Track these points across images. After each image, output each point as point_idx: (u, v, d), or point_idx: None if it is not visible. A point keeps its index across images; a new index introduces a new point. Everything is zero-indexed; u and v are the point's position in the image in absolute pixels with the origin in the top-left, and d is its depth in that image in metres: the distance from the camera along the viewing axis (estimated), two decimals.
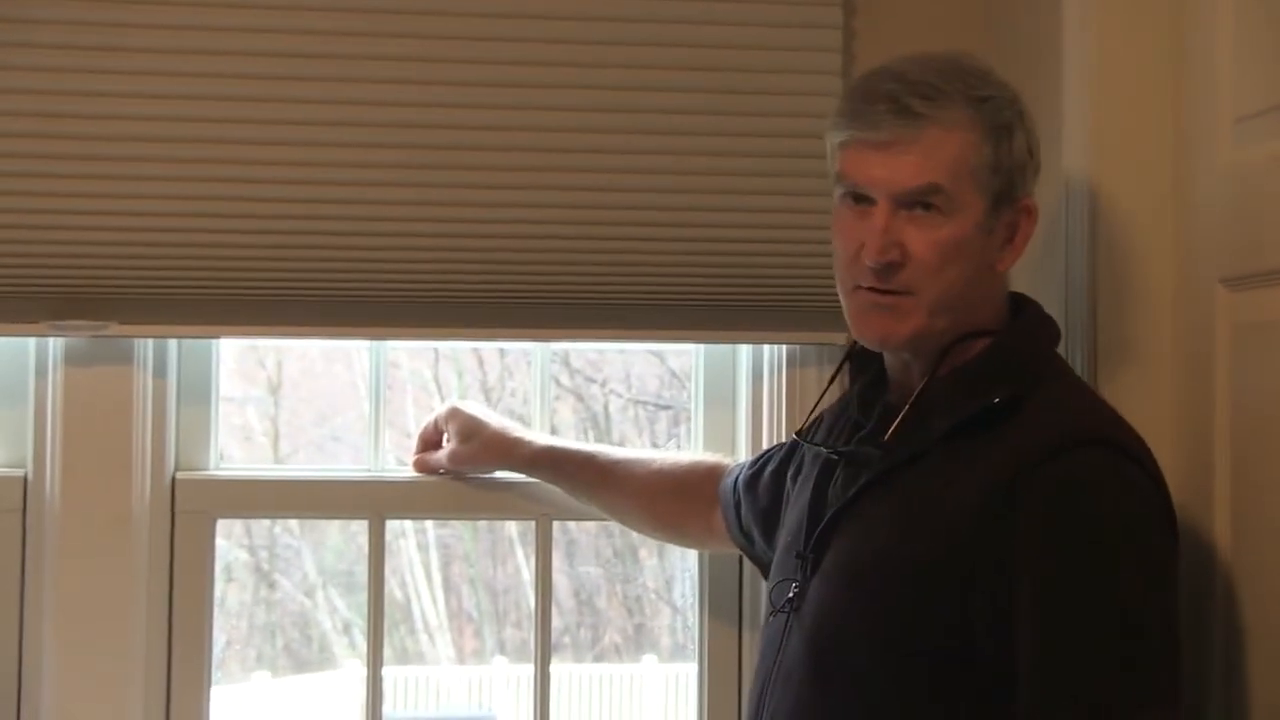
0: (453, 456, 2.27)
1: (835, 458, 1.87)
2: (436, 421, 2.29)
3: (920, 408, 1.79)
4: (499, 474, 2.30)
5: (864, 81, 1.82)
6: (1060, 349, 2.06)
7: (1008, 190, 1.79)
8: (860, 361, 1.91)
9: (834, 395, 2.02)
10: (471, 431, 2.25)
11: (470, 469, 2.29)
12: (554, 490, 2.30)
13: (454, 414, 2.28)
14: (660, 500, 2.22)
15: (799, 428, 1.99)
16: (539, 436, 2.27)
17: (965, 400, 1.76)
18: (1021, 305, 1.87)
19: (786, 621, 1.84)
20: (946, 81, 1.76)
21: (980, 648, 1.67)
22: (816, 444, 1.92)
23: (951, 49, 1.83)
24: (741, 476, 2.13)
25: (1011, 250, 1.82)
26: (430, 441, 2.31)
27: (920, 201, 1.76)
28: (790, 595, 1.84)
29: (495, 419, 2.26)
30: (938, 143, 1.75)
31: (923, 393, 1.79)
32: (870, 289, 1.78)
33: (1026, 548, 1.66)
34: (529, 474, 2.27)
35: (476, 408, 2.28)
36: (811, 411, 2.01)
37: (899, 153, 1.76)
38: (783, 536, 1.95)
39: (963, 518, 1.69)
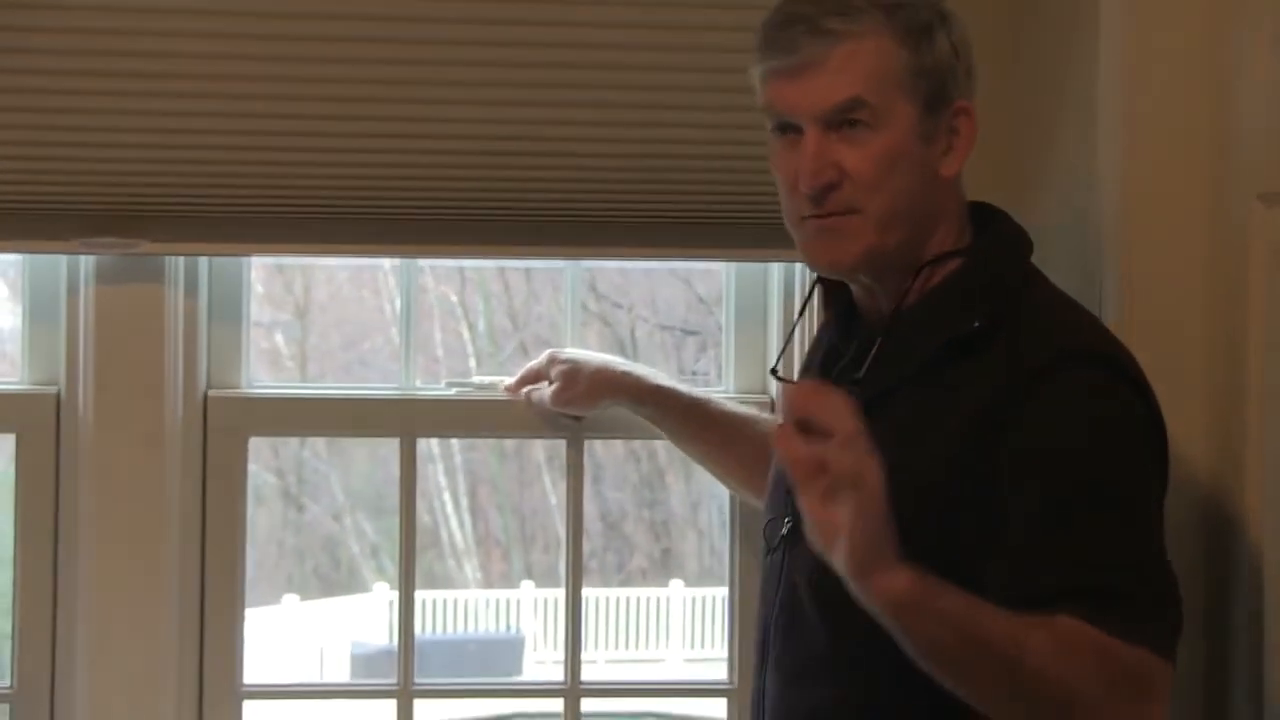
0: (556, 398, 2.22)
1: None
2: (539, 366, 2.25)
3: (895, 337, 1.75)
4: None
5: (780, 7, 1.77)
6: (1091, 266, 2.05)
7: (939, 93, 1.74)
8: (833, 294, 1.87)
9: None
10: (574, 372, 2.20)
11: (575, 409, 2.23)
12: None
13: (553, 359, 2.24)
14: (755, 470, 2.13)
15: (772, 365, 1.95)
16: (648, 372, 2.22)
17: (942, 325, 1.72)
18: (988, 217, 1.82)
19: (782, 559, 1.80)
20: None
21: (983, 563, 1.63)
22: (790, 376, 1.89)
23: None
24: None
25: (954, 156, 1.76)
26: (533, 380, 2.26)
27: (846, 119, 1.72)
28: (784, 531, 1.81)
29: (596, 356, 2.23)
30: (851, 56, 1.71)
31: (895, 322, 1.75)
32: (814, 216, 1.75)
33: (1028, 457, 1.63)
34: (634, 408, 2.21)
35: (575, 351, 2.25)
36: (782, 350, 2.00)
37: (815, 74, 1.72)
38: (770, 474, 1.91)
39: (958, 433, 1.66)
